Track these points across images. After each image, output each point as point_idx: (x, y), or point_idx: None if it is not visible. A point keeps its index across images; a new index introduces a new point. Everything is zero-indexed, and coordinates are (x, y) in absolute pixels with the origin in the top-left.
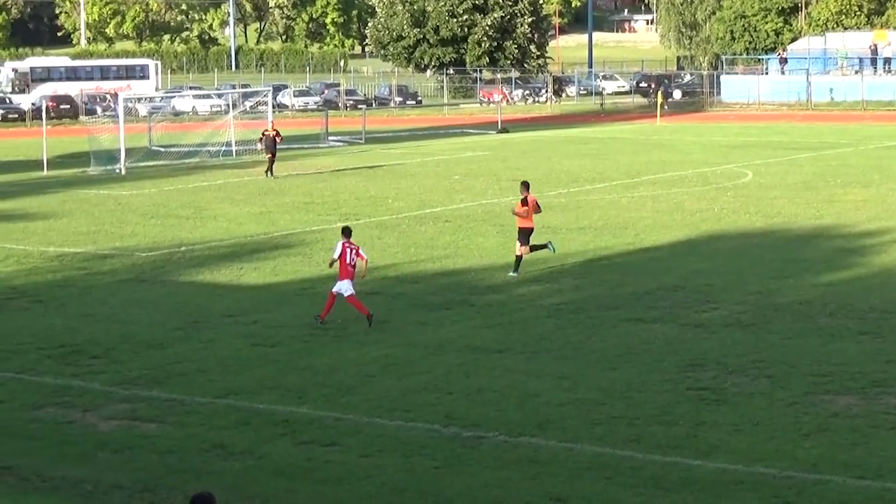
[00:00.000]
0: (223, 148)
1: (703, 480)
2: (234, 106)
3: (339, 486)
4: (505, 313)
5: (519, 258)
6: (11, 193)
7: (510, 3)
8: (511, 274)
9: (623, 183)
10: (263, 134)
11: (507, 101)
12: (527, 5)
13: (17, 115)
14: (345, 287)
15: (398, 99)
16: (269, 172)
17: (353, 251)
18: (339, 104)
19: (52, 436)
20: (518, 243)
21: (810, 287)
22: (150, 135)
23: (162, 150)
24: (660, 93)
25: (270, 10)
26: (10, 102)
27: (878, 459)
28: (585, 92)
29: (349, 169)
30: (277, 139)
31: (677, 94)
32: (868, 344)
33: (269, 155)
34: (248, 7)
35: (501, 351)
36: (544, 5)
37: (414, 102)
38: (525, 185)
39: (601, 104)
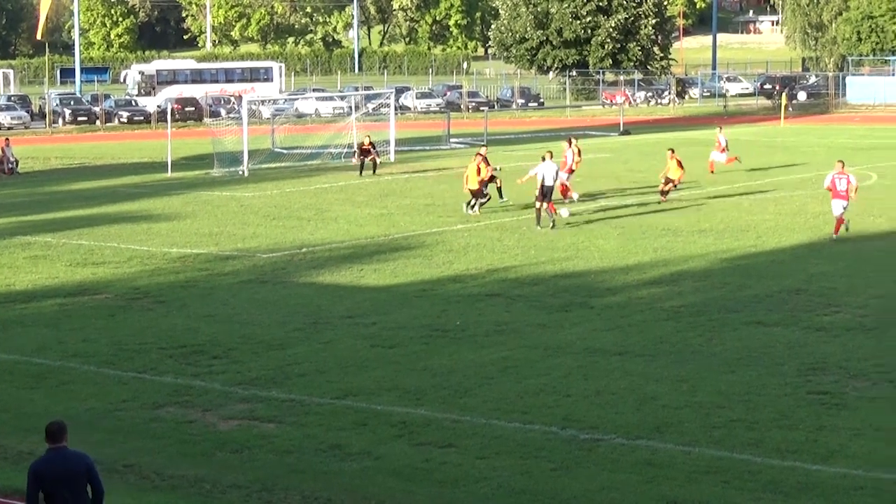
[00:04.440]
0: (345, 150)
1: (822, 485)
2: (357, 108)
3: (456, 487)
4: (624, 316)
5: None
6: (136, 195)
7: (634, 5)
8: None
9: (745, 185)
10: (360, 147)
11: (630, 103)
12: (651, 7)
13: (142, 117)
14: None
15: (520, 101)
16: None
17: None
18: (462, 106)
19: (172, 435)
20: None
21: None
22: (273, 137)
23: (284, 152)
24: (784, 94)
25: (394, 13)
26: (136, 104)
27: None
28: (709, 94)
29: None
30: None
31: (802, 96)
32: None
33: (363, 159)
34: (372, 9)
35: (620, 353)
36: (668, 7)
37: (536, 104)
38: None
39: (724, 106)
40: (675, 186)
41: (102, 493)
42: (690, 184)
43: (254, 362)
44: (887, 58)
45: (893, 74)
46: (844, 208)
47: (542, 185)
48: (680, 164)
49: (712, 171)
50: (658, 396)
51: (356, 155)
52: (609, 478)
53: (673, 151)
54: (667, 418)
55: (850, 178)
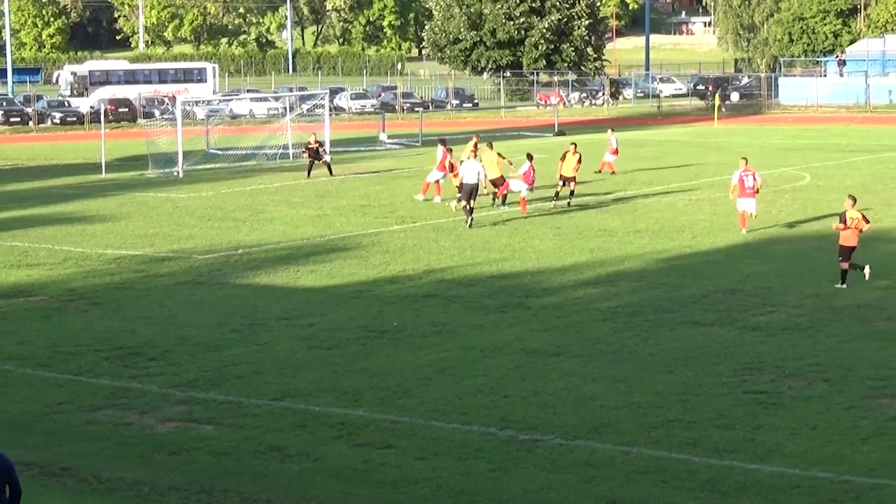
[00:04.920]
0: (280, 151)
1: (759, 484)
2: (291, 109)
3: (395, 488)
4: (561, 316)
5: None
6: (70, 196)
7: (567, 6)
8: (838, 286)
9: (680, 185)
10: (306, 146)
11: (564, 103)
12: (584, 8)
13: (75, 119)
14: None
15: (455, 101)
16: (309, 173)
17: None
18: (396, 107)
19: (109, 437)
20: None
21: (868, 291)
22: (208, 138)
23: (219, 153)
24: (717, 95)
25: (328, 13)
26: (69, 105)
27: None
28: (642, 94)
29: (406, 171)
30: (320, 149)
31: (735, 97)
32: None
33: (312, 160)
34: (306, 10)
35: (558, 354)
36: (601, 8)
37: (471, 105)
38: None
39: (658, 107)
40: (573, 188)
41: (20, 494)
42: (627, 185)
43: (191, 364)
44: (818, 59)
45: (825, 75)
46: (753, 205)
47: (463, 184)
48: (580, 161)
49: (613, 172)
50: (596, 397)
51: (304, 153)
52: (548, 478)
53: (576, 146)
54: (605, 418)
55: (755, 174)
